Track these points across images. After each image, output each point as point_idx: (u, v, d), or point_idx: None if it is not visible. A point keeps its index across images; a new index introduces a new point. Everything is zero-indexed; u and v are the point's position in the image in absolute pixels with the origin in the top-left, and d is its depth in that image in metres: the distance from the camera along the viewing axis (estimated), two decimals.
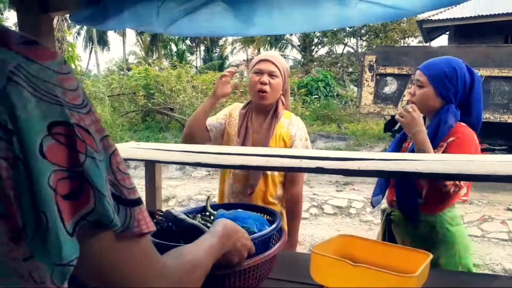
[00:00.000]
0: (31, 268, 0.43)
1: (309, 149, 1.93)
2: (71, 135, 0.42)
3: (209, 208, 1.40)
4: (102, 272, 0.49)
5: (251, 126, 1.93)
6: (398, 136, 1.90)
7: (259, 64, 1.89)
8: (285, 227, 1.94)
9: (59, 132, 0.41)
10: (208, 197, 1.51)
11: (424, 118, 1.83)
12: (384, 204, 1.86)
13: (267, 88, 1.85)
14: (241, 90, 10.16)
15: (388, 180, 1.81)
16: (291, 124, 1.93)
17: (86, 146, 0.43)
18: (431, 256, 0.88)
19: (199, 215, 1.35)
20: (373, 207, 1.86)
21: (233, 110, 2.03)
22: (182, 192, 6.15)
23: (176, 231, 1.12)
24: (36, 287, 0.43)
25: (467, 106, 1.65)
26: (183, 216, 1.16)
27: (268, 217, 1.40)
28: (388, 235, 1.76)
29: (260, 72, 1.87)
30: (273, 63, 1.87)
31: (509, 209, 5.35)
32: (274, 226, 1.17)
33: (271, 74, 1.86)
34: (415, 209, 1.64)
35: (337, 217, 5.16)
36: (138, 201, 0.49)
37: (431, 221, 1.66)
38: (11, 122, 0.37)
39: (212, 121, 1.97)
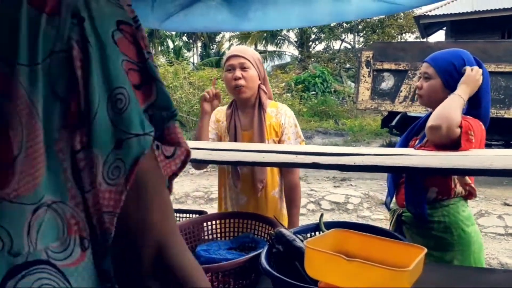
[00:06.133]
0: (80, 163, 0.42)
1: (301, 136, 1.96)
2: (135, 34, 0.47)
3: (323, 227, 1.41)
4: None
5: (239, 124, 1.94)
6: (405, 133, 1.86)
7: (228, 60, 1.91)
8: (286, 215, 1.97)
9: (125, 30, 0.46)
10: (322, 215, 1.51)
11: (428, 116, 1.81)
12: (392, 204, 1.84)
13: (242, 82, 1.86)
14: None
15: (396, 182, 1.79)
16: (279, 113, 1.94)
17: (146, 46, 0.48)
18: (425, 250, 0.88)
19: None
20: (388, 210, 1.85)
21: (218, 115, 2.05)
22: (179, 189, 6.14)
23: (285, 252, 1.18)
24: (74, 193, 0.43)
25: (475, 98, 1.60)
26: (292, 237, 1.21)
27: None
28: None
29: (231, 68, 1.89)
30: (242, 56, 1.88)
31: (505, 204, 5.37)
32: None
33: (242, 68, 1.87)
34: (423, 209, 1.62)
35: (334, 213, 5.17)
36: None
37: (446, 221, 1.63)
38: (85, 11, 0.42)
39: (212, 135, 2.01)
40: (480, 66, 1.62)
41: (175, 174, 0.53)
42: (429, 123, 1.50)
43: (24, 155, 0.38)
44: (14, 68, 0.37)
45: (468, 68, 1.58)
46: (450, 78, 1.62)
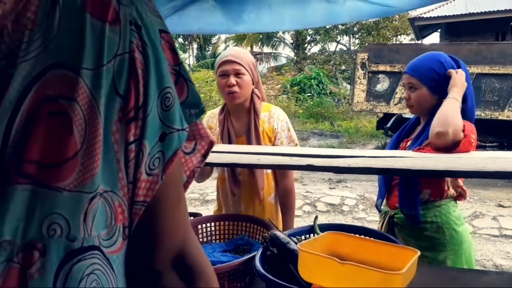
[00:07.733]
0: (131, 154, 0.46)
1: (295, 140, 1.93)
2: (171, 42, 0.52)
3: (317, 229, 1.41)
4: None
5: (233, 131, 1.90)
6: (395, 135, 1.88)
7: (222, 66, 1.85)
8: (280, 220, 1.95)
9: (165, 37, 0.51)
10: (316, 217, 1.52)
11: (418, 119, 1.82)
12: (383, 206, 1.84)
13: (236, 89, 1.81)
14: None
15: (388, 184, 1.80)
16: (271, 118, 1.90)
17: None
18: (419, 252, 0.88)
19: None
20: (379, 211, 1.86)
21: (210, 121, 2.01)
22: None
23: (280, 255, 1.19)
24: (122, 183, 0.46)
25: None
26: (286, 240, 1.22)
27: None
28: None
29: (225, 74, 1.84)
30: (236, 62, 1.82)
31: (500, 206, 5.40)
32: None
33: (237, 74, 1.82)
34: (417, 210, 1.63)
35: (330, 214, 5.18)
36: None
37: (438, 222, 1.64)
38: (139, 20, 0.47)
39: None
40: (458, 64, 1.67)
41: (197, 168, 0.58)
42: (435, 129, 1.51)
43: (85, 148, 0.42)
44: (79, 72, 0.42)
45: (453, 71, 1.62)
46: (434, 83, 1.64)
